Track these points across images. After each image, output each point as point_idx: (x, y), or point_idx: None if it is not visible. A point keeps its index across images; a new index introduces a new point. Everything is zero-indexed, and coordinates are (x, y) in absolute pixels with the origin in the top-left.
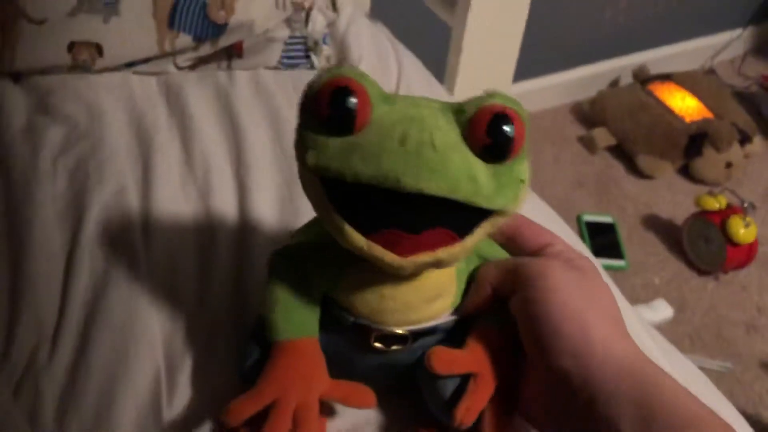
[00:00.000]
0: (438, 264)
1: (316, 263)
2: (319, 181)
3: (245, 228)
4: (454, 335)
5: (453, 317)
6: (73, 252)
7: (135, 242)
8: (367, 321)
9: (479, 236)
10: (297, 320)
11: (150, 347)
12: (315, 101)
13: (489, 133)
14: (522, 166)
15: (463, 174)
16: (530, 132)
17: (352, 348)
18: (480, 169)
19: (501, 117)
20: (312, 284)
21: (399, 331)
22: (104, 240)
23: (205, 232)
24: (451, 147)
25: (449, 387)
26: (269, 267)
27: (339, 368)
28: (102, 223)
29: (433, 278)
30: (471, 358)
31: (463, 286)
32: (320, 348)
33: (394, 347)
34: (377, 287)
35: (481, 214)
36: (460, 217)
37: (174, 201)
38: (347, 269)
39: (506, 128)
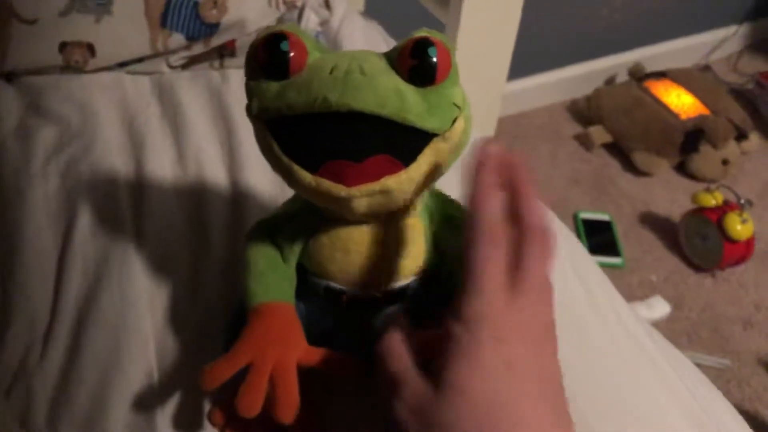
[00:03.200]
0: (387, 195)
1: (287, 232)
2: (264, 125)
3: (239, 227)
4: (424, 303)
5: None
6: (65, 252)
7: (127, 242)
8: (337, 284)
9: (424, 165)
10: (271, 285)
11: (142, 346)
12: (254, 50)
13: (413, 56)
14: (453, 91)
15: (390, 90)
16: (456, 61)
17: (327, 316)
18: (408, 89)
19: (424, 42)
20: (285, 253)
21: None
22: (96, 240)
23: (198, 231)
24: (378, 72)
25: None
26: (247, 238)
27: (316, 339)
28: (94, 224)
29: (398, 232)
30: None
31: (430, 247)
32: (297, 315)
33: (366, 313)
34: (344, 245)
35: (420, 138)
36: (398, 140)
37: (167, 200)
38: (315, 235)
39: (429, 51)
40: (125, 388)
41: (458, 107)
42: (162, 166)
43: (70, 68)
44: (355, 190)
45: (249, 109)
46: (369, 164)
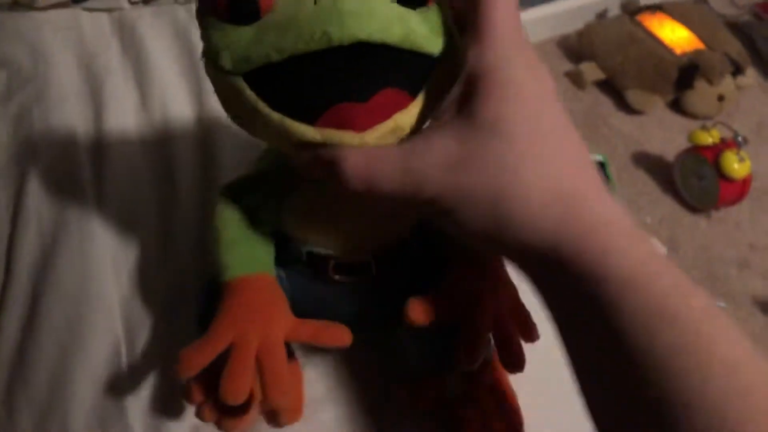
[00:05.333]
0: (398, 133)
1: (260, 194)
2: (243, 80)
3: (209, 178)
4: (422, 268)
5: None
6: (18, 210)
7: (87, 197)
8: (322, 248)
9: (433, 93)
10: (246, 255)
11: (107, 314)
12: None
13: None
14: (446, 12)
15: (392, 15)
16: None
17: (314, 285)
18: (407, 11)
19: None
20: (259, 218)
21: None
22: (52, 196)
23: (165, 183)
24: None
25: (437, 342)
26: (216, 205)
27: (305, 311)
28: (50, 179)
29: None
30: (448, 300)
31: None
32: (278, 285)
33: (354, 279)
34: (326, 204)
35: (425, 65)
36: (405, 69)
37: (130, 150)
38: (292, 195)
39: None
40: (89, 363)
41: (455, 29)
42: (124, 113)
43: (18, 5)
44: (367, 136)
45: (214, 65)
46: (377, 102)
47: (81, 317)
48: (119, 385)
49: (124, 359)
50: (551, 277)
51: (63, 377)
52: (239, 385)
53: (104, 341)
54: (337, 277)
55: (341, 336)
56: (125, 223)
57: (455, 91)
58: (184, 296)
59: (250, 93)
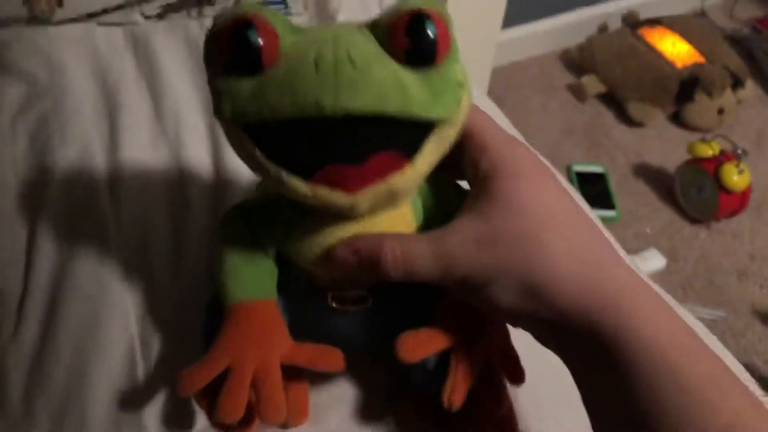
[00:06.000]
0: (393, 194)
1: (264, 220)
2: (243, 130)
3: (220, 187)
4: (418, 292)
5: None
6: (36, 218)
7: (102, 206)
8: (320, 280)
9: (431, 155)
10: (249, 281)
11: (122, 318)
12: (216, 44)
13: (409, 35)
14: (455, 68)
15: (390, 83)
16: (455, 34)
17: (314, 310)
18: (408, 76)
19: (419, 17)
20: (263, 243)
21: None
22: (69, 204)
23: (178, 193)
24: (371, 59)
25: (430, 361)
26: (219, 228)
27: (304, 333)
28: (67, 187)
29: (386, 222)
30: (441, 332)
31: (420, 225)
32: (279, 310)
33: (352, 308)
34: (325, 240)
35: (424, 127)
36: (402, 134)
37: (144, 161)
38: (295, 224)
39: (427, 28)
40: (105, 362)
41: (462, 85)
42: (138, 124)
43: (35, 20)
44: (359, 197)
45: (219, 111)
46: (371, 164)
47: (98, 319)
48: (135, 389)
49: (139, 364)
50: (580, 345)
51: (79, 381)
52: (234, 406)
53: (120, 342)
54: (334, 305)
55: (335, 362)
56: (139, 229)
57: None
58: (196, 307)
59: (248, 142)
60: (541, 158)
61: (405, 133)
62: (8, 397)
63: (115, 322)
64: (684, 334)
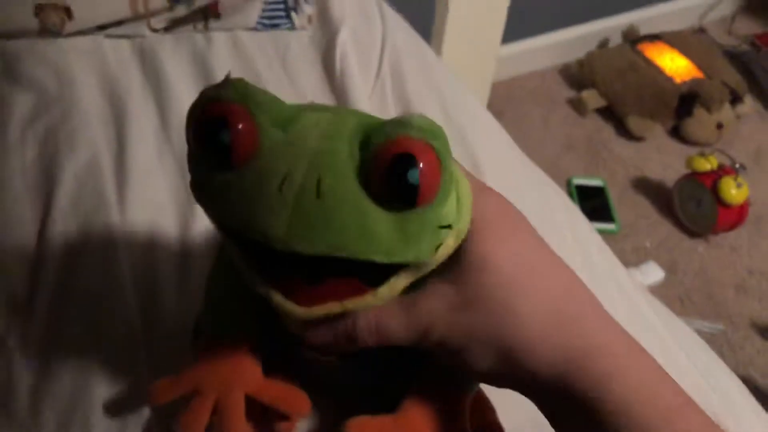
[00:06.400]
0: (350, 312)
1: None
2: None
3: None
4: (389, 362)
5: None
6: (44, 225)
7: (110, 213)
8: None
9: (399, 284)
10: (228, 317)
11: (128, 324)
12: (191, 128)
13: (388, 179)
14: (441, 211)
15: (352, 228)
16: (451, 170)
17: (291, 352)
18: (379, 219)
19: (404, 159)
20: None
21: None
22: (77, 212)
23: (184, 201)
24: (340, 194)
25: None
26: (215, 258)
27: (279, 370)
28: (75, 194)
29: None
30: (395, 427)
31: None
32: (254, 346)
33: (327, 358)
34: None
35: (389, 268)
36: (362, 269)
37: (150, 170)
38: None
39: (409, 174)
40: (110, 370)
41: (447, 226)
42: (145, 134)
43: (46, 32)
44: (308, 311)
45: (191, 185)
46: (329, 286)
47: (103, 323)
48: (139, 394)
49: (144, 370)
50: (559, 403)
51: (85, 385)
52: (193, 422)
53: (125, 352)
54: (309, 354)
55: (300, 406)
56: (145, 236)
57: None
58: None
59: (217, 225)
60: (509, 205)
61: (366, 269)
62: (15, 401)
63: (120, 328)
64: (662, 391)
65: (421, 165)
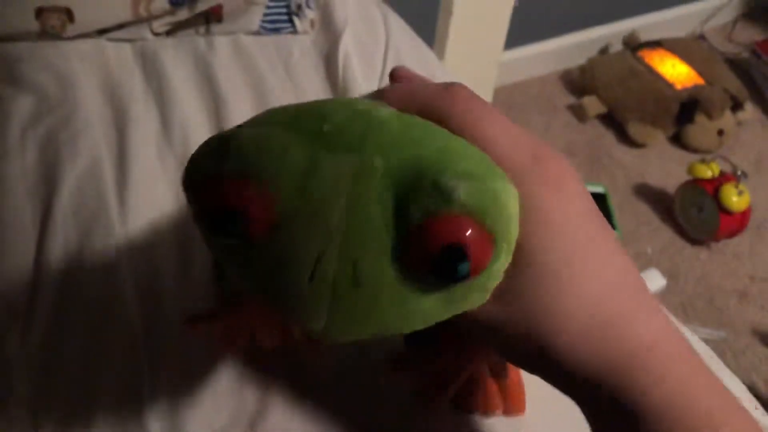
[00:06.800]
0: None
1: None
2: None
3: None
4: None
5: None
6: (45, 229)
7: (111, 218)
8: None
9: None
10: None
11: (129, 327)
12: (195, 207)
13: (433, 269)
14: (490, 275)
15: (394, 315)
16: (508, 229)
17: None
18: (422, 301)
19: (452, 251)
20: None
21: None
22: (78, 216)
23: (186, 205)
24: (379, 281)
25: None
26: None
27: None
28: (75, 198)
29: None
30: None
31: None
32: None
33: None
34: None
35: None
36: None
37: (152, 174)
38: None
39: (459, 268)
40: (111, 374)
41: (488, 288)
42: (146, 138)
43: (47, 35)
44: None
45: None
46: None
47: (104, 328)
48: (140, 399)
49: (145, 374)
50: (596, 404)
51: (85, 390)
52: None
53: (126, 356)
54: None
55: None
56: (147, 240)
57: None
58: (201, 309)
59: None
60: (569, 183)
61: None
62: (14, 406)
63: (121, 331)
64: (707, 396)
65: (471, 254)
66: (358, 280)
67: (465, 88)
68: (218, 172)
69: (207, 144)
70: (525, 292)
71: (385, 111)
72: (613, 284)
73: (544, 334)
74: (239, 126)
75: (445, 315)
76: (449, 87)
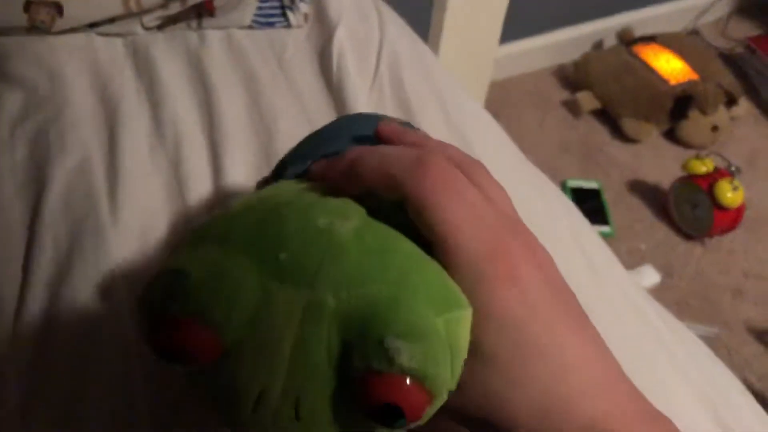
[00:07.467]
0: None
1: None
2: None
3: (219, 197)
4: None
5: None
6: (34, 226)
7: (101, 215)
8: None
9: None
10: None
11: (120, 326)
12: (146, 338)
13: (373, 417)
14: (428, 415)
15: None
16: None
17: None
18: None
19: (390, 410)
20: None
21: None
22: (68, 213)
23: (177, 204)
24: (320, 418)
25: None
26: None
27: None
28: (65, 196)
29: None
30: None
31: None
32: None
33: None
34: None
35: None
36: None
37: (143, 171)
38: None
39: (396, 424)
40: (102, 375)
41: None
42: (137, 134)
43: (35, 29)
44: None
45: None
46: None
47: (95, 327)
48: (132, 400)
49: (137, 374)
50: None
51: (77, 390)
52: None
53: (117, 357)
54: None
55: None
56: (138, 238)
57: None
58: None
59: None
60: (518, 246)
61: None
62: (5, 405)
63: (113, 332)
64: None
65: (408, 412)
66: (300, 416)
67: (439, 161)
68: (167, 311)
69: (159, 279)
70: (480, 384)
71: (347, 228)
72: (566, 366)
73: (499, 421)
74: (197, 233)
75: None
76: (423, 160)
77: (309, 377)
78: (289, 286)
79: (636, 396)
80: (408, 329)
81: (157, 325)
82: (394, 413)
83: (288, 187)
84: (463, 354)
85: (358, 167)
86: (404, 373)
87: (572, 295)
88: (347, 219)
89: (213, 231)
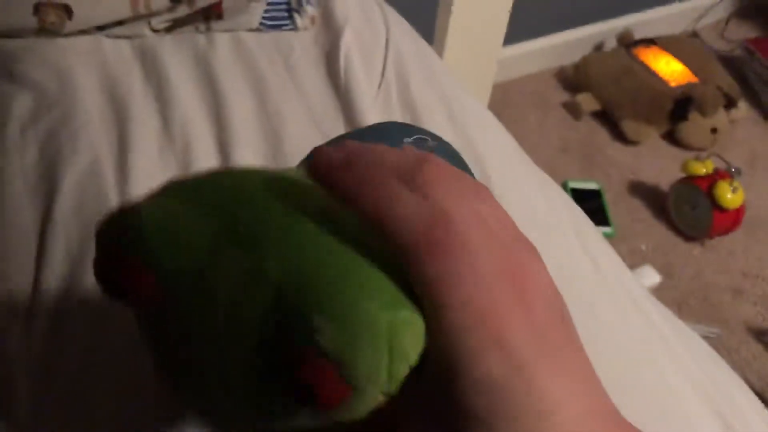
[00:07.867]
0: None
1: None
2: None
3: None
4: None
5: None
6: (45, 227)
7: None
8: None
9: None
10: None
11: (130, 328)
12: (94, 264)
13: (291, 395)
14: (354, 408)
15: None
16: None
17: None
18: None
19: (305, 388)
20: None
21: None
22: (79, 214)
23: None
24: (243, 387)
25: None
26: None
27: None
28: (76, 197)
29: None
30: None
31: None
32: None
33: None
34: None
35: None
36: None
37: (152, 172)
38: None
39: (308, 402)
40: (112, 376)
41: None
42: (147, 135)
43: (45, 31)
44: None
45: None
46: None
47: (105, 329)
48: (142, 397)
49: (147, 371)
50: None
51: (87, 387)
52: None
53: (127, 353)
54: None
55: None
56: None
57: None
58: None
59: None
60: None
61: None
62: (16, 403)
63: (123, 332)
64: None
65: (320, 397)
66: (223, 379)
67: (437, 163)
68: (115, 246)
69: (116, 215)
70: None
71: (313, 209)
72: (547, 411)
73: None
74: (175, 184)
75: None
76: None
77: (237, 341)
78: (239, 250)
79: (625, 426)
80: (339, 313)
81: (103, 258)
82: (309, 394)
83: (290, 170)
84: (410, 360)
85: (348, 176)
86: (321, 353)
87: (567, 326)
88: (319, 201)
89: (184, 186)
